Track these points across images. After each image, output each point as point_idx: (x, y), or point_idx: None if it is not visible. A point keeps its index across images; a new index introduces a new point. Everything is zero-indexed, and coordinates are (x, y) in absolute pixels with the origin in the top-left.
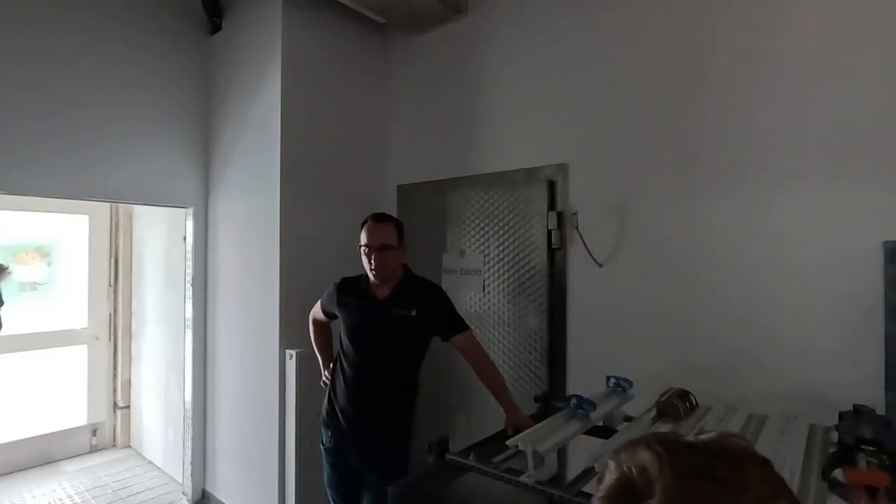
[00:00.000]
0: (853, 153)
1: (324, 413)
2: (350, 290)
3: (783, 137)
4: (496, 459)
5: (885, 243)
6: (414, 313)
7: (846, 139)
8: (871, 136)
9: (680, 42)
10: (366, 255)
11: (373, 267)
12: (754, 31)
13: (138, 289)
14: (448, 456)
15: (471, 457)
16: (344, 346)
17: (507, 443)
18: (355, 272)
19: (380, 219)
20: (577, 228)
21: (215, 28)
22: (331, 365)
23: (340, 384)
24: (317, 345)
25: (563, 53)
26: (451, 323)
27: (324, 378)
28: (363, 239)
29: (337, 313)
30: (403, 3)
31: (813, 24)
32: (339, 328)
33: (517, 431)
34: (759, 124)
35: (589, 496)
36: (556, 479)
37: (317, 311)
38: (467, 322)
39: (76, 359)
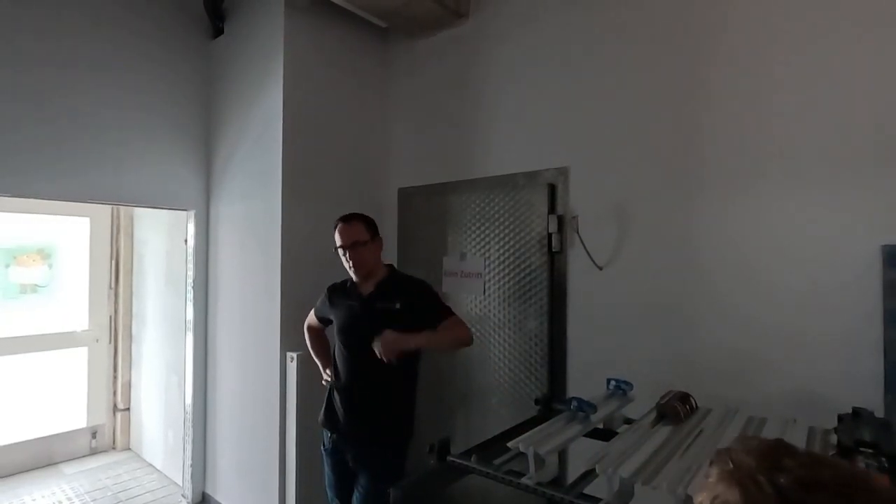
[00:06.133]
0: (851, 157)
1: (322, 415)
2: (338, 293)
3: (782, 141)
4: (497, 461)
5: (884, 247)
6: (398, 306)
7: (844, 143)
8: (869, 139)
9: (680, 47)
10: (342, 255)
11: (350, 265)
12: (752, 36)
13: (139, 291)
14: (449, 458)
15: (472, 458)
16: (336, 347)
17: (509, 444)
18: None
19: (348, 218)
20: (577, 232)
21: (217, 32)
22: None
23: (336, 385)
24: (314, 350)
25: (565, 58)
26: (436, 311)
27: (325, 378)
28: (336, 240)
29: (331, 317)
30: (405, 7)
31: (810, 30)
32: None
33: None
34: (758, 129)
35: (590, 497)
36: (557, 481)
37: (311, 319)
38: (458, 313)
39: (76, 361)
